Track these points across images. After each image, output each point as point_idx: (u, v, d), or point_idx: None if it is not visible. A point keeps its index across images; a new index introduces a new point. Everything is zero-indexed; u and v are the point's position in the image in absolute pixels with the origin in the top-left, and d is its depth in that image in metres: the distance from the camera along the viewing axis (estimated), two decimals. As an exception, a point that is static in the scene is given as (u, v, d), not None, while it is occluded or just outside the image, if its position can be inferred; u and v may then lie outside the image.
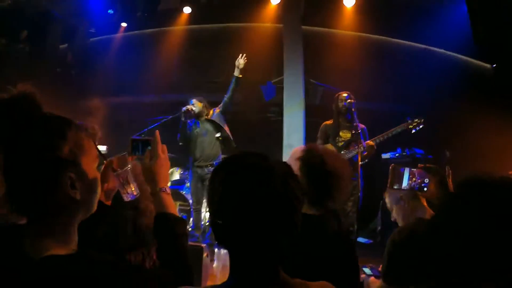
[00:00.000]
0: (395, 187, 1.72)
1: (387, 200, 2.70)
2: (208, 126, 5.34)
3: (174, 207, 1.36)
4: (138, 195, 1.51)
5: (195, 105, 5.37)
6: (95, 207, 1.19)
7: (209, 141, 5.33)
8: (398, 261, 2.22)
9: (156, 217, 1.30)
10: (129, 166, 1.48)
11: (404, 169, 1.71)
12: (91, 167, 1.14)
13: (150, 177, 1.34)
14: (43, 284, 0.94)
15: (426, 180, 1.69)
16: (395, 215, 2.64)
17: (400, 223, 2.59)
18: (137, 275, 1.08)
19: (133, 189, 1.48)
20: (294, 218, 1.03)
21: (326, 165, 1.91)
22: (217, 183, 1.06)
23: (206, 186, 5.17)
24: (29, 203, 1.05)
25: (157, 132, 1.40)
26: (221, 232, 1.05)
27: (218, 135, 5.33)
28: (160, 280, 1.14)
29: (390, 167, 1.73)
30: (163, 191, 1.32)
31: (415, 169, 1.72)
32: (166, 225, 1.29)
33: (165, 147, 1.39)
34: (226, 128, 5.38)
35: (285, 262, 1.05)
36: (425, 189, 1.69)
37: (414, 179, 1.70)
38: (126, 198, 1.49)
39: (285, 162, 1.13)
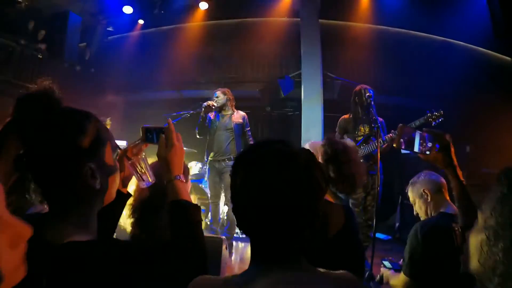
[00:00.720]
0: (407, 151, 1.70)
1: (409, 194, 2.68)
2: (228, 122, 5.34)
3: (189, 195, 1.36)
4: (153, 182, 1.52)
5: (218, 98, 5.35)
6: (114, 196, 1.23)
7: (226, 136, 5.33)
8: (421, 255, 2.21)
9: (170, 204, 1.29)
10: (144, 153, 1.49)
11: (416, 133, 1.70)
12: (110, 157, 1.18)
13: (165, 165, 1.34)
14: (65, 269, 0.95)
15: (430, 144, 1.68)
16: (417, 209, 2.62)
17: (422, 217, 2.57)
18: (156, 260, 1.09)
19: (148, 176, 1.49)
20: (317, 206, 1.02)
21: (346, 153, 1.94)
22: (240, 168, 1.06)
23: (224, 180, 5.25)
24: (52, 192, 1.09)
25: (169, 119, 1.41)
26: (242, 218, 1.05)
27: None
28: (178, 266, 1.15)
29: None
30: (177, 179, 1.32)
31: (424, 133, 1.70)
32: (180, 212, 1.28)
33: (179, 135, 1.39)
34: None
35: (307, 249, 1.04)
36: (428, 152, 1.67)
37: (424, 144, 1.68)
38: (142, 185, 1.50)
39: (308, 150, 1.11)
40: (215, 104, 5.27)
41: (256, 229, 1.03)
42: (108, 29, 9.30)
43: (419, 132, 1.69)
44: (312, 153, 1.10)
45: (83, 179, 1.08)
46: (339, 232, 1.81)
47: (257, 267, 1.03)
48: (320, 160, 1.94)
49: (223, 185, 5.36)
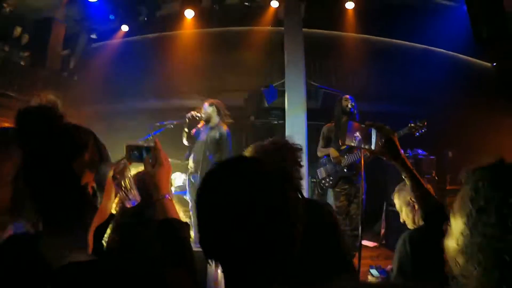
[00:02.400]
0: (366, 147, 1.72)
1: (396, 201, 2.69)
2: (204, 135, 5.21)
3: (177, 213, 1.35)
4: (139, 201, 1.51)
5: (205, 111, 5.26)
6: (108, 213, 1.23)
7: (203, 149, 5.18)
8: (410, 266, 2.23)
9: (159, 223, 1.29)
10: (130, 172, 1.49)
11: (372, 130, 1.72)
12: (108, 175, 1.19)
13: (152, 184, 1.34)
14: None
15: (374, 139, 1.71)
16: (404, 217, 2.62)
17: (409, 225, 2.58)
18: (157, 278, 1.09)
19: (134, 195, 1.48)
20: (292, 233, 0.94)
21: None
22: (205, 190, 0.99)
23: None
24: (51, 210, 1.07)
25: (156, 139, 1.41)
26: (208, 245, 0.97)
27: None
28: (178, 283, 1.15)
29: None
30: (166, 198, 1.32)
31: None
32: (170, 230, 1.28)
33: (166, 154, 1.38)
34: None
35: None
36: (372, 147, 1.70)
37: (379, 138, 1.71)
38: (128, 204, 1.49)
39: (282, 168, 1.03)
40: (199, 115, 5.21)
41: (225, 257, 0.96)
42: (91, 36, 9.20)
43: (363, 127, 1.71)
44: (287, 171, 1.02)
45: (85, 195, 1.08)
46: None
47: None
48: None
49: None
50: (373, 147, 1.72)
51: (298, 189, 1.02)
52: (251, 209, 0.90)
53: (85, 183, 1.08)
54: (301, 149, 1.97)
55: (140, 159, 1.41)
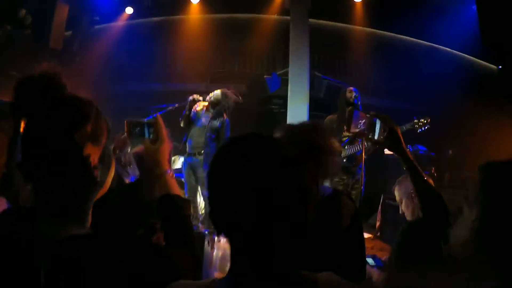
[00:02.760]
0: (369, 136, 1.75)
1: (396, 193, 2.70)
2: (205, 120, 5.26)
3: (178, 189, 1.35)
4: (137, 176, 1.50)
5: (214, 96, 5.24)
6: (107, 189, 1.19)
7: (199, 132, 5.23)
8: (407, 257, 2.22)
9: (161, 198, 1.28)
10: (129, 147, 1.47)
11: (376, 120, 1.74)
12: (108, 148, 1.16)
13: (154, 160, 1.33)
14: (69, 263, 0.93)
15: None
16: (404, 208, 2.64)
17: (408, 217, 2.60)
18: (158, 253, 1.07)
19: (133, 170, 1.47)
20: (303, 212, 0.94)
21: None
22: (218, 164, 0.97)
23: (198, 174, 5.20)
24: (49, 183, 1.04)
25: (158, 116, 1.40)
26: (220, 219, 0.95)
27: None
28: (179, 259, 1.12)
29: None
30: (167, 173, 1.32)
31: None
32: (171, 206, 1.27)
33: (167, 131, 1.38)
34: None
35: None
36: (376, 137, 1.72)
37: (383, 129, 1.73)
38: (127, 179, 1.48)
39: (292, 147, 1.02)
40: (201, 98, 5.22)
41: (235, 233, 0.94)
42: (94, 18, 9.15)
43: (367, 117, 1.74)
44: (302, 152, 1.05)
45: (86, 168, 1.05)
46: (349, 226, 1.80)
47: (237, 273, 0.95)
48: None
49: (198, 180, 5.31)
50: (376, 137, 1.73)
51: (313, 173, 1.01)
52: (262, 186, 0.89)
53: (87, 156, 1.05)
54: (331, 135, 1.90)
55: (140, 135, 1.39)
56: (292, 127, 1.87)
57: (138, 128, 1.40)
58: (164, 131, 1.36)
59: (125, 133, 1.42)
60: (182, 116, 5.31)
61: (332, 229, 1.75)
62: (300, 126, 1.86)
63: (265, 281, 0.92)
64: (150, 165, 1.35)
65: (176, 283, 0.99)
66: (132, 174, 1.50)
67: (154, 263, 1.03)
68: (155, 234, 1.62)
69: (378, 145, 1.72)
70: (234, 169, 0.92)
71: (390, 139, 1.68)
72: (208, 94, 5.32)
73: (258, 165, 0.91)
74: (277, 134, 1.82)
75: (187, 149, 5.33)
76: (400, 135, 1.69)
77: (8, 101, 1.51)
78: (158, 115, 1.43)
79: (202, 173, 5.18)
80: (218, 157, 0.99)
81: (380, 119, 1.73)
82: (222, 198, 0.94)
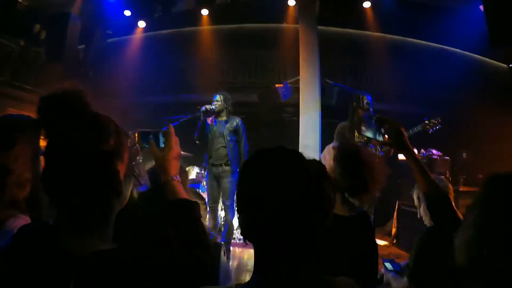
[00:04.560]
0: (367, 136, 1.78)
1: (415, 197, 2.72)
2: (222, 128, 5.35)
3: (185, 194, 1.38)
4: (148, 186, 1.53)
5: (218, 101, 5.36)
6: (127, 199, 1.22)
7: (220, 141, 5.34)
8: (426, 263, 2.22)
9: (171, 204, 1.32)
10: (140, 157, 1.50)
11: (372, 121, 1.77)
12: (129, 163, 1.19)
13: (162, 167, 1.38)
14: (97, 279, 0.95)
15: (383, 130, 1.76)
16: (422, 213, 2.65)
17: (426, 222, 2.60)
18: (181, 261, 1.12)
19: (145, 180, 1.50)
20: (325, 221, 1.01)
21: (360, 153, 1.94)
22: (247, 177, 1.05)
23: (221, 184, 5.26)
24: (73, 198, 1.05)
25: (170, 124, 1.44)
26: (248, 227, 1.03)
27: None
28: (197, 263, 1.17)
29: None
30: (174, 179, 1.36)
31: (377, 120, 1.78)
32: (181, 211, 1.31)
33: (177, 139, 1.42)
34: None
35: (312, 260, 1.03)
36: (381, 138, 1.75)
37: (380, 130, 1.77)
38: (138, 188, 1.51)
39: (319, 162, 1.10)
40: (213, 108, 5.28)
41: (261, 239, 1.02)
42: (107, 32, 9.29)
43: (375, 119, 1.77)
44: (323, 165, 1.09)
45: (112, 185, 1.07)
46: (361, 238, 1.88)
47: (260, 277, 1.02)
48: (332, 162, 1.95)
49: (220, 190, 5.37)
50: (374, 136, 1.78)
51: (331, 181, 1.07)
52: (289, 197, 0.97)
53: (114, 172, 1.08)
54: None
55: (150, 144, 1.44)
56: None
57: (147, 138, 1.45)
58: (173, 140, 1.40)
59: (136, 144, 1.47)
60: (197, 129, 5.36)
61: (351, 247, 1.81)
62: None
63: (288, 284, 0.98)
64: (159, 172, 1.40)
65: None
66: (144, 184, 1.53)
67: (179, 271, 1.08)
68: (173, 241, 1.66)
69: (385, 145, 1.78)
70: (261, 181, 1.01)
71: (396, 139, 1.71)
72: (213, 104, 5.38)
73: (285, 176, 0.99)
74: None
75: (211, 160, 5.39)
76: (405, 135, 1.72)
77: (26, 116, 1.54)
78: (170, 124, 1.46)
79: (226, 184, 5.26)
80: (246, 169, 1.07)
81: (385, 121, 1.77)
82: (251, 206, 1.02)
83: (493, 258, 0.98)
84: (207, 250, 1.24)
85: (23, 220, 1.41)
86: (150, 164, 1.95)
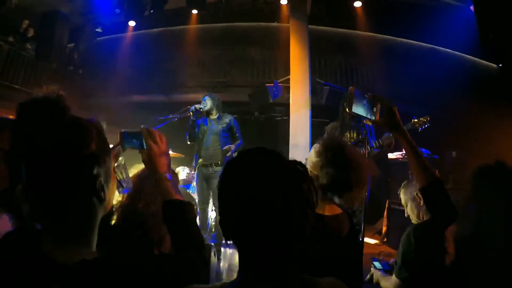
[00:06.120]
0: (359, 115, 1.72)
1: (402, 196, 2.72)
2: (215, 127, 5.32)
3: (179, 192, 1.35)
4: (131, 189, 1.49)
5: (206, 103, 5.34)
6: (111, 205, 1.20)
7: (213, 141, 5.29)
8: (413, 259, 2.23)
9: (163, 205, 1.30)
10: (123, 159, 1.47)
11: (365, 100, 1.73)
12: (111, 167, 1.17)
13: (148, 167, 1.37)
14: None
15: (375, 110, 1.71)
16: (409, 211, 2.65)
17: (413, 220, 2.61)
18: (170, 264, 1.10)
19: (127, 182, 1.47)
20: (304, 223, 1.01)
21: (345, 149, 1.87)
22: (228, 179, 1.05)
23: (211, 185, 5.23)
24: (54, 205, 1.03)
25: (143, 126, 1.40)
26: (228, 228, 1.03)
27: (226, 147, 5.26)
28: (188, 264, 1.16)
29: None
30: (163, 177, 1.34)
31: (370, 99, 1.74)
32: (174, 211, 1.29)
33: (163, 135, 1.39)
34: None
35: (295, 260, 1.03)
36: (374, 117, 1.71)
37: (372, 110, 1.73)
38: (120, 192, 1.48)
39: (300, 163, 1.09)
40: (202, 107, 5.25)
41: (242, 241, 1.02)
42: (96, 30, 9.21)
43: (367, 98, 1.72)
44: (304, 167, 1.08)
45: (94, 190, 1.05)
46: (344, 238, 1.84)
47: (245, 277, 1.03)
48: (316, 157, 1.92)
49: (211, 191, 5.34)
50: (366, 115, 1.73)
51: (312, 183, 1.07)
52: (267, 198, 0.97)
53: (94, 176, 1.05)
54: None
55: (134, 145, 1.40)
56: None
57: (131, 138, 1.41)
58: (157, 136, 1.37)
59: (119, 144, 1.41)
60: (188, 129, 5.32)
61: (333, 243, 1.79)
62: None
63: (270, 283, 0.99)
64: (149, 172, 1.38)
65: (191, 286, 1.03)
66: (126, 187, 1.49)
67: (167, 274, 1.06)
68: (161, 244, 1.63)
69: (376, 124, 1.73)
70: (242, 182, 1.01)
71: (389, 119, 1.69)
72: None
73: (263, 178, 0.99)
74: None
75: (202, 160, 5.35)
76: (398, 115, 1.69)
77: (6, 117, 1.52)
78: (143, 125, 1.44)
79: (216, 184, 5.19)
80: (227, 171, 1.07)
81: (377, 100, 1.74)
82: (231, 208, 1.02)
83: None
84: (202, 251, 1.24)
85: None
86: (135, 167, 1.92)
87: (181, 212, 1.30)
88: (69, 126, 1.06)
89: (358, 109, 1.67)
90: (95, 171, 1.05)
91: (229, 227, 1.03)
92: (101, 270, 0.97)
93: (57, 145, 1.02)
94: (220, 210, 1.05)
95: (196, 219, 1.34)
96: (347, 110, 1.68)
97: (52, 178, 1.01)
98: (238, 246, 1.04)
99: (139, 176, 1.74)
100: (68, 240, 1.02)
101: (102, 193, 1.07)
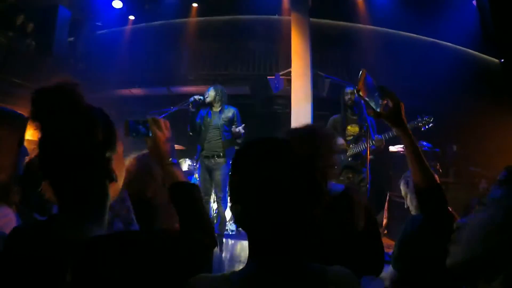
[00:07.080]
0: (368, 101, 1.69)
1: (402, 187, 2.73)
2: (217, 119, 5.32)
3: (184, 176, 1.40)
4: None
5: (209, 94, 5.33)
6: (120, 189, 1.29)
7: (215, 133, 5.32)
8: (411, 250, 2.23)
9: (171, 187, 1.35)
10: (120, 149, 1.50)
11: (375, 92, 1.70)
12: (119, 152, 1.23)
13: (154, 155, 1.41)
14: (100, 264, 0.99)
15: (380, 102, 1.69)
16: (408, 203, 2.67)
17: (413, 212, 2.62)
18: (177, 241, 1.16)
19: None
20: (315, 208, 1.04)
21: (315, 131, 1.91)
22: (240, 166, 1.08)
23: (214, 177, 5.24)
24: (69, 189, 1.12)
25: (152, 116, 1.46)
26: (240, 216, 1.05)
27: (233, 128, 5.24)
28: (198, 243, 1.21)
29: (362, 71, 1.68)
30: (169, 163, 1.38)
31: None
32: (182, 193, 1.34)
33: (167, 122, 1.44)
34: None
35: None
36: (379, 110, 1.68)
37: (380, 102, 1.70)
38: None
39: (309, 152, 1.16)
40: (202, 98, 5.26)
41: (254, 227, 1.04)
42: (97, 23, 9.19)
43: (376, 88, 1.70)
44: (312, 155, 1.13)
45: (107, 174, 1.14)
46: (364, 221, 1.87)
47: (255, 263, 1.04)
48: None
49: (213, 183, 5.35)
50: (374, 106, 1.71)
51: (322, 172, 1.11)
52: (278, 185, 1.00)
53: (108, 160, 1.14)
54: (334, 136, 1.96)
55: (140, 132, 1.44)
56: (297, 130, 1.92)
57: (136, 126, 1.44)
58: (162, 124, 1.42)
59: (124, 133, 1.46)
60: (189, 120, 5.33)
61: (346, 225, 1.80)
62: (304, 130, 1.90)
63: (278, 269, 1.01)
64: (154, 160, 1.44)
65: (197, 276, 1.04)
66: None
67: (178, 251, 1.12)
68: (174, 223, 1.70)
69: (381, 117, 1.69)
70: (253, 169, 1.03)
71: (394, 113, 1.66)
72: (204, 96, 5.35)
73: (273, 167, 1.01)
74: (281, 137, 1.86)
75: (204, 152, 5.36)
76: (403, 112, 1.66)
77: (8, 109, 1.58)
78: (153, 114, 1.52)
79: (218, 176, 5.23)
80: (238, 158, 1.10)
81: (387, 94, 1.71)
82: (242, 196, 1.05)
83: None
84: (211, 231, 1.29)
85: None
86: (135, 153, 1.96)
87: (189, 192, 1.34)
88: (85, 113, 1.16)
89: (366, 95, 1.65)
90: (106, 155, 1.14)
91: (240, 213, 1.05)
92: (112, 246, 1.03)
93: (71, 130, 1.11)
94: (233, 198, 1.08)
95: (202, 201, 1.37)
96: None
97: (66, 162, 1.10)
98: (250, 233, 1.06)
99: (139, 160, 1.82)
100: (82, 220, 1.10)
101: (113, 175, 1.16)
